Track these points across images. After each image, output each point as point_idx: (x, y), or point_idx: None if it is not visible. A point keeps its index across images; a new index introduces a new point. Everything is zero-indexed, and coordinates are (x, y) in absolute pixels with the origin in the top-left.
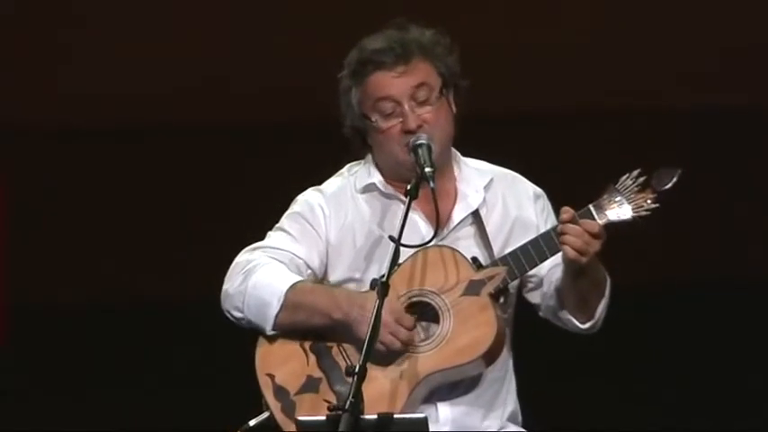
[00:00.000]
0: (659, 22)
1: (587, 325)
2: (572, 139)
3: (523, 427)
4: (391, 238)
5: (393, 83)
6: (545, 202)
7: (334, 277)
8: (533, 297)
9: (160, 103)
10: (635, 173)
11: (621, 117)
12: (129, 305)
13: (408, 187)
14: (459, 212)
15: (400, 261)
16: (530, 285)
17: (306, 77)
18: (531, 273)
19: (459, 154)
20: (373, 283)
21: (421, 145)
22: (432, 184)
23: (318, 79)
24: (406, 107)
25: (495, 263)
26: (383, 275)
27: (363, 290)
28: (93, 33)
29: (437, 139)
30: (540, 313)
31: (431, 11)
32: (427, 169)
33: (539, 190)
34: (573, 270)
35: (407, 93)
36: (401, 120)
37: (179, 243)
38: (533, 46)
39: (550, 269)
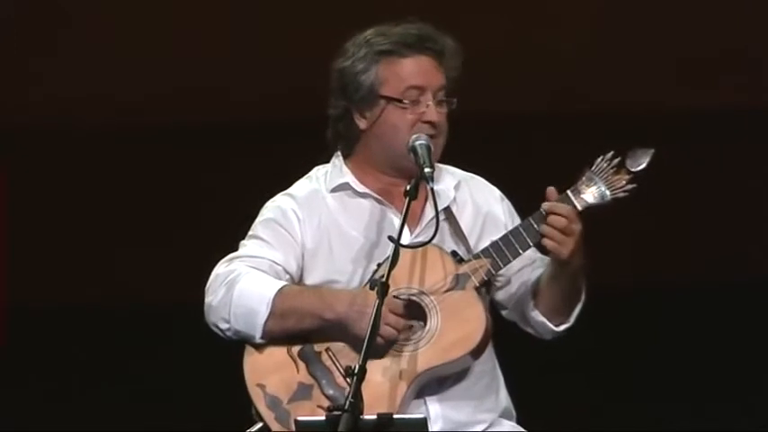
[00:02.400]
0: (659, 22)
1: (562, 327)
2: (572, 139)
3: (518, 424)
4: (390, 238)
5: (432, 72)
6: (509, 205)
7: (310, 280)
8: (499, 295)
9: (160, 103)
10: (609, 155)
11: (621, 117)
12: (130, 305)
13: (408, 187)
14: (432, 208)
15: (381, 261)
16: (497, 284)
17: (306, 77)
18: (499, 271)
19: None
20: (373, 284)
21: (421, 145)
22: (431, 184)
23: (318, 79)
24: (431, 100)
25: (476, 256)
26: (382, 275)
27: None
28: (93, 33)
29: (439, 143)
30: (504, 313)
31: (431, 11)
32: (427, 169)
33: (502, 193)
34: (557, 266)
35: (435, 87)
36: (423, 110)
37: (179, 243)
38: (533, 46)
39: (520, 269)
